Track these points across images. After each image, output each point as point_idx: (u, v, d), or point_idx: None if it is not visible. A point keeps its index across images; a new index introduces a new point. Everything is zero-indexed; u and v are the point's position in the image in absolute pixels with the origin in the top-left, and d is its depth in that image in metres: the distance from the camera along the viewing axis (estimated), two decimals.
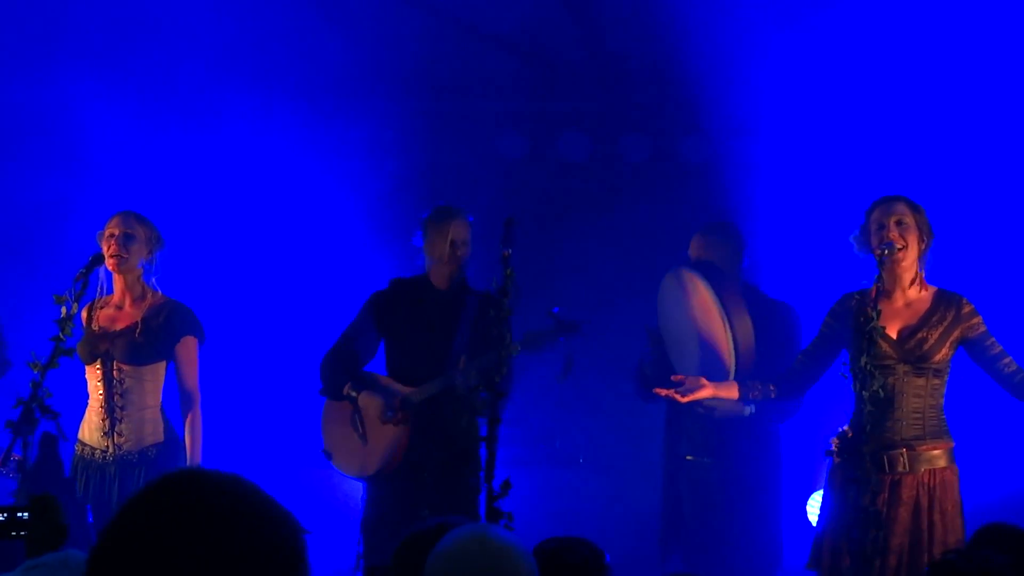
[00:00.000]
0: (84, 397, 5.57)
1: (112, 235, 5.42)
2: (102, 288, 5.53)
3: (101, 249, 5.40)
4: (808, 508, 6.37)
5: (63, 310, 5.05)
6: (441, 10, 7.28)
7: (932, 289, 5.14)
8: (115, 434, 5.46)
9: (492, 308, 5.46)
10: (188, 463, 5.41)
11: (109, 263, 5.39)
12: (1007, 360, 5.09)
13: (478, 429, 5.31)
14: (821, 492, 5.41)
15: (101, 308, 5.52)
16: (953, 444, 5.04)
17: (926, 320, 5.08)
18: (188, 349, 5.53)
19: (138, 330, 5.46)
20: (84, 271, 5.12)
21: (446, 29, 7.43)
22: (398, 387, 5.53)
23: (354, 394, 5.54)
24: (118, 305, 5.52)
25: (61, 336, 4.99)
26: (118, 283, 5.50)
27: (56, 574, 2.56)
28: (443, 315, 5.62)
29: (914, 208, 5.14)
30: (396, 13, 7.21)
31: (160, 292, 5.59)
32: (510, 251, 4.98)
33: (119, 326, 5.49)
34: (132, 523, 1.57)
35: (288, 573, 1.59)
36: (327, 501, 7.07)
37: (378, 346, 5.72)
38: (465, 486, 5.26)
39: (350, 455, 5.62)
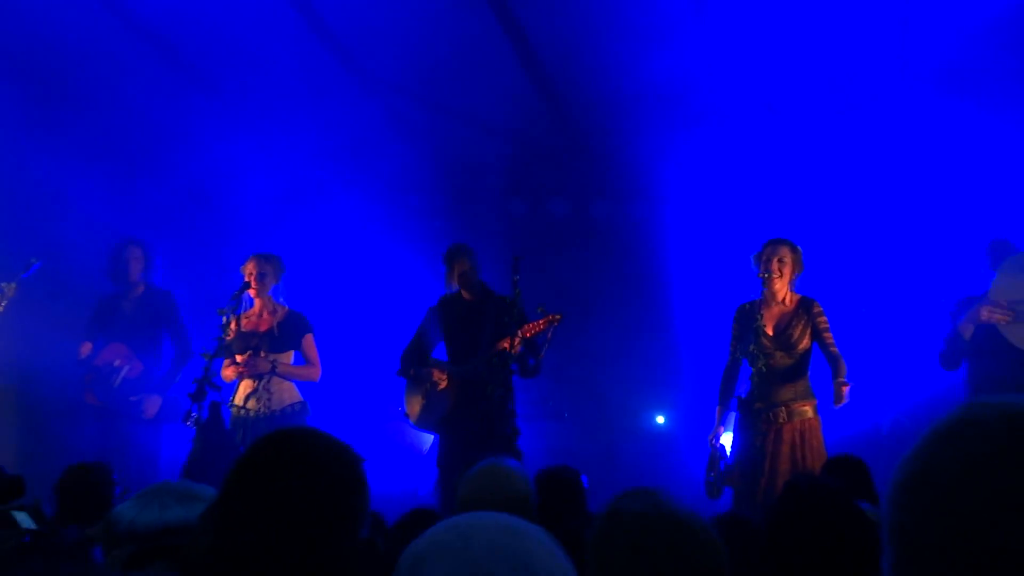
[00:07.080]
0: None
1: (252, 273, 6.46)
2: (245, 303, 6.58)
3: (244, 278, 6.48)
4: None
5: (224, 319, 6.10)
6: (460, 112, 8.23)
7: (797, 297, 5.96)
8: (266, 399, 6.32)
9: (506, 310, 6.33)
10: (288, 367, 6.32)
11: (251, 291, 6.53)
12: (832, 350, 5.78)
13: (506, 398, 6.05)
14: (729, 434, 6.15)
15: (247, 318, 6.54)
16: (816, 401, 5.85)
17: (791, 321, 5.88)
18: (308, 343, 6.60)
19: (275, 331, 6.49)
20: (238, 293, 6.26)
21: (460, 128, 8.37)
22: (448, 366, 6.63)
23: (424, 372, 6.56)
24: (259, 315, 6.57)
25: (224, 336, 6.00)
26: (257, 301, 6.61)
27: (163, 499, 2.48)
28: (472, 318, 6.54)
29: (793, 249, 5.94)
30: (428, 120, 8.38)
31: (286, 306, 6.61)
32: (518, 277, 5.87)
33: (262, 329, 6.51)
34: (255, 460, 1.80)
35: (354, 486, 1.78)
36: (405, 449, 8.40)
37: (438, 342, 6.67)
38: (501, 435, 5.96)
39: (421, 413, 6.56)
